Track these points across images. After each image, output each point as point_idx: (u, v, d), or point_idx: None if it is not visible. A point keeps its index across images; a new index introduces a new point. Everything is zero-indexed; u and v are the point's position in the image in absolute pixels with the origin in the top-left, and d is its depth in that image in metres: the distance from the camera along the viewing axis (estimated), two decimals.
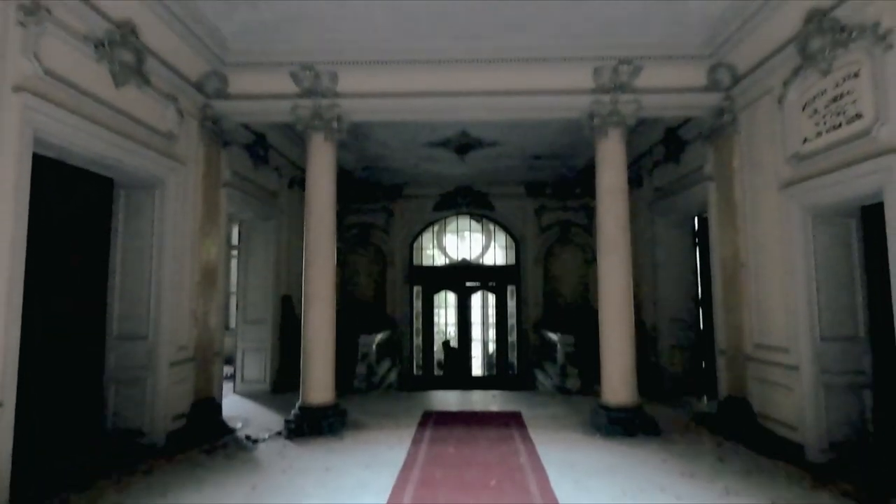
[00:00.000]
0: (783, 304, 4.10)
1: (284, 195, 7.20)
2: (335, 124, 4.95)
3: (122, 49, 3.70)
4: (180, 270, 4.60)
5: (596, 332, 4.97)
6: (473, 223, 10.83)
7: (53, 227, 3.74)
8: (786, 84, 3.98)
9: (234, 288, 7.87)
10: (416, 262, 10.72)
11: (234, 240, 8.27)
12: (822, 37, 3.54)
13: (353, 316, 9.70)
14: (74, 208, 4.02)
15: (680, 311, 6.62)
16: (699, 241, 6.58)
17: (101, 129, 3.59)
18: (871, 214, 3.72)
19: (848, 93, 3.43)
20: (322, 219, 4.93)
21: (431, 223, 10.71)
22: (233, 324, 8.16)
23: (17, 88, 2.91)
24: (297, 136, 5.59)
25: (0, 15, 2.81)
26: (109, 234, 4.36)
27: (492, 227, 10.76)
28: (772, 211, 4.25)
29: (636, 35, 4.45)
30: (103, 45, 3.56)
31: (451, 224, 10.85)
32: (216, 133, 5.08)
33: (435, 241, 10.85)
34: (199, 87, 4.80)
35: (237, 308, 7.13)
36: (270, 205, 6.77)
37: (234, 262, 8.06)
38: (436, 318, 10.80)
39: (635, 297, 5.46)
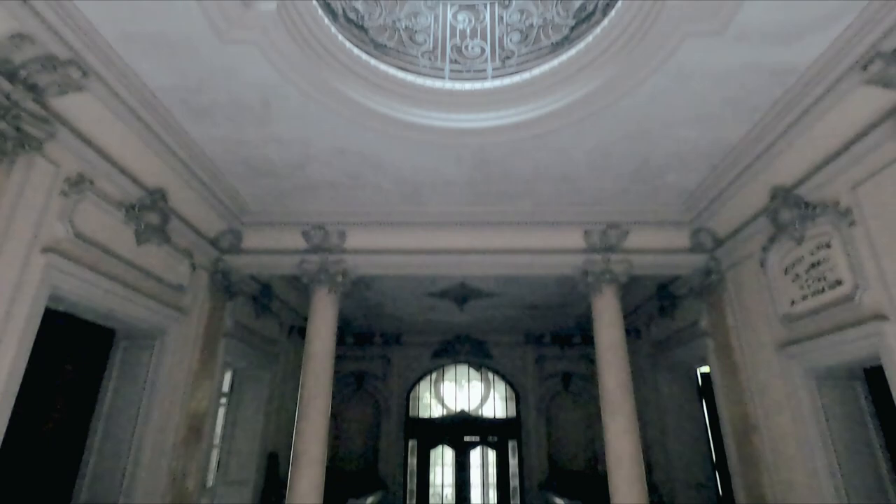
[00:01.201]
0: (804, 472, 3.84)
1: (283, 343, 7.17)
2: (340, 278, 5.16)
3: (151, 212, 4.03)
4: (165, 427, 4.38)
5: (605, 495, 4.56)
6: (472, 372, 10.60)
7: (42, 383, 3.67)
8: (765, 249, 4.26)
9: (217, 440, 7.37)
10: (412, 412, 10.23)
11: (226, 387, 8.00)
12: (789, 211, 3.89)
13: (342, 474, 8.94)
14: (71, 360, 3.99)
15: (696, 474, 6.15)
16: (705, 395, 6.39)
17: (117, 284, 3.74)
18: (877, 376, 3.69)
19: (825, 260, 3.65)
20: (319, 374, 4.85)
21: (429, 371, 10.47)
22: (211, 481, 7.48)
23: (47, 250, 3.11)
24: (301, 284, 5.79)
25: (48, 187, 3.14)
26: (100, 384, 4.26)
27: (491, 376, 10.50)
28: (774, 370, 4.21)
29: (622, 203, 4.89)
30: (133, 209, 3.89)
31: (450, 372, 10.60)
32: (225, 285, 5.26)
33: (432, 391, 10.49)
34: (214, 242, 5.11)
35: (218, 465, 6.61)
36: (268, 353, 6.71)
37: (221, 411, 7.68)
38: (432, 478, 9.93)
39: (646, 457, 5.12)
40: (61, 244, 3.24)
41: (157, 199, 4.06)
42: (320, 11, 3.13)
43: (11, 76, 2.76)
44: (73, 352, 4.02)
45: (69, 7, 2.71)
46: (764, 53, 3.02)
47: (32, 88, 2.86)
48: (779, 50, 2.99)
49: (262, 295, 6.31)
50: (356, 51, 3.42)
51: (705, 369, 6.12)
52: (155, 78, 3.28)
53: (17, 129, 2.85)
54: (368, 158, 4.21)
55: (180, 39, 2.94)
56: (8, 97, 2.78)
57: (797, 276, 3.93)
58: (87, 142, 3.36)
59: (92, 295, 3.51)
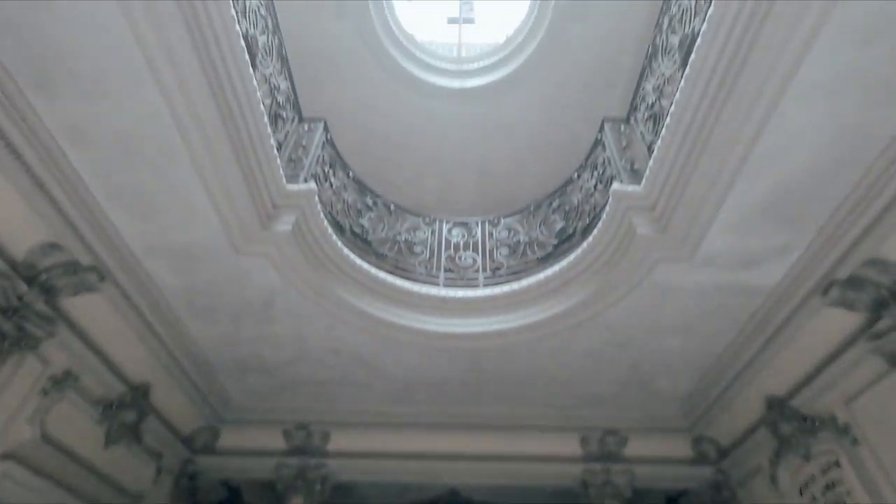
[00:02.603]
0: None
1: None
2: (318, 486, 4.69)
3: (128, 410, 3.85)
4: None
5: None
6: None
7: None
8: (772, 464, 4.02)
9: None
10: None
11: None
12: (788, 424, 3.80)
13: None
14: None
15: None
16: None
17: (70, 496, 3.37)
18: None
19: (839, 482, 3.43)
20: None
21: None
22: None
23: (6, 457, 2.89)
24: (274, 493, 5.21)
25: (30, 386, 3.06)
26: None
27: None
28: None
29: (618, 408, 4.77)
30: (111, 407, 3.73)
31: None
32: (190, 491, 4.74)
33: None
34: (188, 441, 4.77)
35: None
36: None
37: None
38: None
39: None
40: (24, 449, 3.01)
41: (138, 396, 3.93)
42: (330, 230, 3.50)
43: (31, 280, 2.93)
44: None
45: (102, 220, 3.02)
46: (732, 276, 3.32)
47: (48, 291, 3.01)
48: (744, 273, 3.30)
49: (229, 503, 5.63)
50: (359, 261, 3.73)
51: None
52: (167, 281, 3.48)
53: (20, 328, 2.91)
54: (362, 358, 4.24)
55: (199, 252, 3.22)
56: (21, 298, 2.90)
57: (814, 498, 3.64)
58: (84, 338, 3.40)
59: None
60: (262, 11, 3.10)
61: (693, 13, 2.74)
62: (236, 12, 2.55)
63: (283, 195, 3.20)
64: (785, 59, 2.16)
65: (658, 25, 3.24)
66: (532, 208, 4.42)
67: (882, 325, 3.00)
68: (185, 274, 3.43)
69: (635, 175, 3.31)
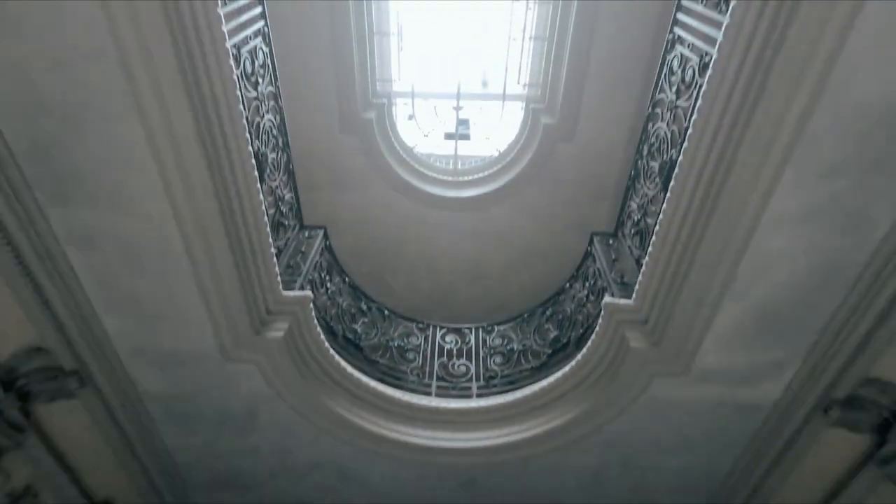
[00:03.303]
0: None
1: None
2: None
3: None
4: None
5: None
6: None
7: None
8: None
9: None
10: None
11: None
12: None
13: None
14: None
15: None
16: None
17: None
18: None
19: None
20: None
21: None
22: None
23: None
24: None
25: None
26: None
27: None
28: None
29: None
30: None
31: None
32: None
33: None
34: None
35: None
36: None
37: None
38: None
39: None
40: None
41: None
42: (322, 336, 3.47)
43: (9, 385, 2.83)
44: None
45: (93, 324, 2.99)
46: (730, 392, 3.26)
47: (24, 397, 2.89)
48: (742, 390, 3.24)
49: None
50: (349, 369, 3.65)
51: None
52: (148, 387, 3.37)
53: None
54: (346, 472, 3.97)
55: (187, 357, 3.16)
56: None
57: None
58: (52, 449, 3.20)
59: None
60: (275, 132, 3.36)
61: (669, 144, 3.00)
62: (250, 134, 2.76)
63: (279, 301, 3.22)
64: (757, 189, 2.33)
65: (639, 151, 3.52)
66: (526, 316, 4.44)
67: (889, 449, 2.90)
68: (168, 379, 3.33)
69: (626, 288, 3.38)
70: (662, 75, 3.14)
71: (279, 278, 3.21)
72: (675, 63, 2.95)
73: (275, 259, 3.12)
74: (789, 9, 1.96)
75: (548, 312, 4.33)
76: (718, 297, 2.76)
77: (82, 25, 1.96)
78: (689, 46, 2.79)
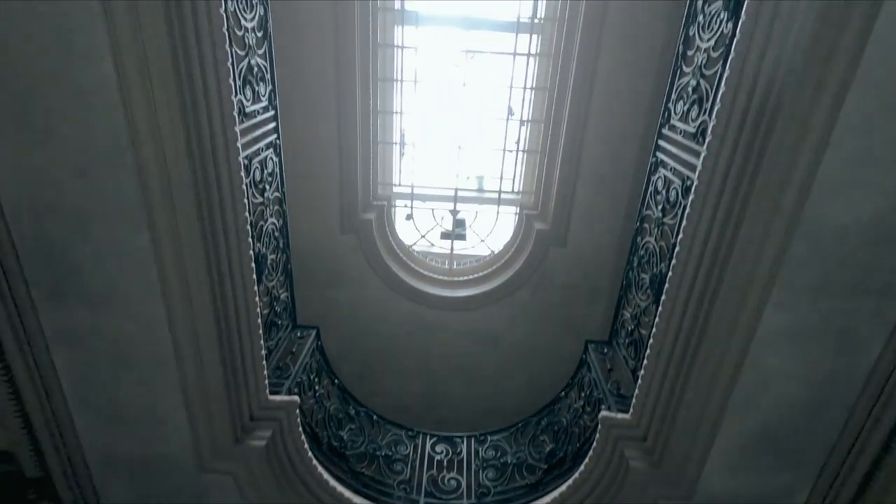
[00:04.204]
0: None
1: None
2: None
3: None
4: None
5: None
6: None
7: None
8: None
9: None
10: None
11: None
12: None
13: None
14: None
15: None
16: None
17: None
18: None
19: None
20: None
21: None
22: None
23: None
24: None
25: None
26: None
27: None
28: None
29: None
30: None
31: None
32: None
33: None
34: None
35: None
36: None
37: None
38: None
39: None
40: None
41: None
42: (306, 445, 3.29)
43: None
44: None
45: (65, 428, 2.83)
46: None
47: None
48: None
49: None
50: (332, 481, 3.41)
51: None
52: (113, 499, 3.11)
53: None
54: None
55: (160, 465, 2.97)
56: None
57: None
58: None
59: None
60: (277, 234, 3.45)
61: (658, 258, 3.09)
62: (253, 238, 2.84)
63: (264, 407, 3.10)
64: (747, 308, 2.37)
65: (630, 262, 3.61)
66: (521, 426, 4.25)
67: None
68: (136, 491, 3.10)
69: (623, 401, 3.29)
70: (648, 194, 3.32)
71: (267, 382, 3.12)
72: (660, 184, 3.14)
73: (264, 362, 3.05)
74: (762, 140, 2.14)
75: (543, 423, 4.15)
76: (718, 415, 2.68)
77: (112, 137, 2.10)
78: (671, 170, 2.98)
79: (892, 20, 1.80)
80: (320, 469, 3.39)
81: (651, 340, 2.88)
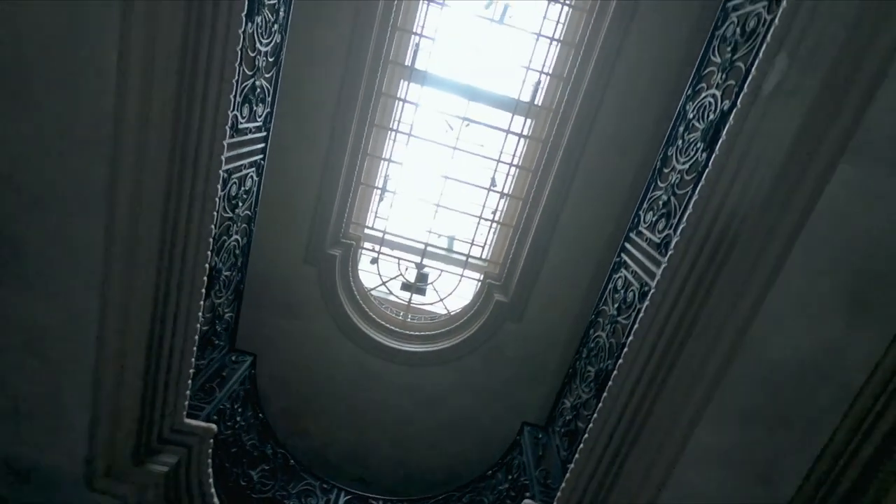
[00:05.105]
0: None
1: None
2: None
3: None
4: None
5: None
6: None
7: None
8: None
9: None
10: None
11: None
12: None
13: None
14: None
15: None
16: None
17: None
18: None
19: None
20: None
21: None
22: None
23: None
24: None
25: None
26: None
27: None
28: None
29: None
30: None
31: None
32: None
33: None
34: None
35: None
36: None
37: None
38: None
39: None
40: None
41: None
42: (211, 479, 3.05)
43: None
44: None
45: None
46: None
47: None
48: None
49: None
50: None
51: None
52: None
53: None
54: None
55: (44, 477, 2.68)
56: None
57: None
58: None
59: None
60: (237, 252, 3.37)
61: (607, 354, 3.16)
62: (212, 251, 2.76)
63: (177, 429, 2.88)
64: (680, 423, 2.43)
65: (579, 352, 3.68)
66: (441, 499, 4.09)
67: None
68: (6, 499, 2.76)
69: (548, 492, 3.23)
70: (608, 290, 3.45)
71: (187, 403, 2.92)
72: (620, 283, 3.27)
73: (189, 381, 2.87)
74: (717, 265, 2.29)
75: (465, 500, 4.01)
76: None
77: (96, 122, 2.05)
78: (632, 272, 3.12)
79: (844, 183, 2.01)
80: None
81: (586, 435, 2.88)
